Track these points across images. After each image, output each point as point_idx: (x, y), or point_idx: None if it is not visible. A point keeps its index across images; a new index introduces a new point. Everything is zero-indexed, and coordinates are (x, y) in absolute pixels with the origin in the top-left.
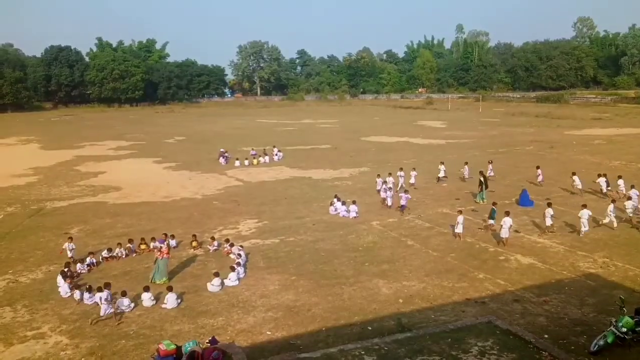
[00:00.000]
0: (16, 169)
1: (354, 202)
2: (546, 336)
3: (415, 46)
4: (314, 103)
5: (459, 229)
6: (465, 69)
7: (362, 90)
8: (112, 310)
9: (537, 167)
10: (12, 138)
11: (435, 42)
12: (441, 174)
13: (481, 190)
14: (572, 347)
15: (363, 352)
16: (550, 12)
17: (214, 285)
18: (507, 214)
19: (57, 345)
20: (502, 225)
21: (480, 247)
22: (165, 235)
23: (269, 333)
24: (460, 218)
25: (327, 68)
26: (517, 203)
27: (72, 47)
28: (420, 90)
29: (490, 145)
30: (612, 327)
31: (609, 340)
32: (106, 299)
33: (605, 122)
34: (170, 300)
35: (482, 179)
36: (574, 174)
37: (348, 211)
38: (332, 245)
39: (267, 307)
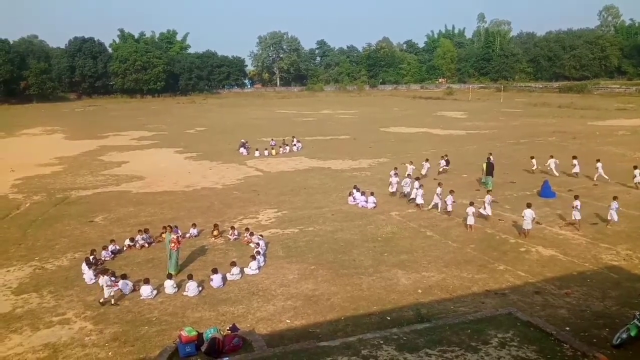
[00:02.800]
0: (42, 158)
1: (372, 193)
2: (567, 329)
3: (435, 36)
4: (333, 94)
5: (470, 221)
6: (487, 59)
7: (381, 80)
8: (112, 293)
9: (574, 157)
10: (38, 128)
11: (456, 31)
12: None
13: (487, 175)
14: (594, 340)
15: (382, 342)
16: (574, 1)
17: (233, 274)
18: (529, 205)
19: (81, 331)
20: (523, 217)
21: (501, 238)
22: (170, 227)
23: (289, 321)
24: (470, 209)
25: (347, 58)
26: (539, 194)
27: (96, 39)
28: (440, 80)
29: (511, 136)
30: (635, 320)
31: (632, 333)
32: (107, 284)
33: (630, 112)
34: (192, 288)
35: (484, 165)
36: (598, 160)
37: (367, 201)
38: (351, 235)
39: (287, 295)
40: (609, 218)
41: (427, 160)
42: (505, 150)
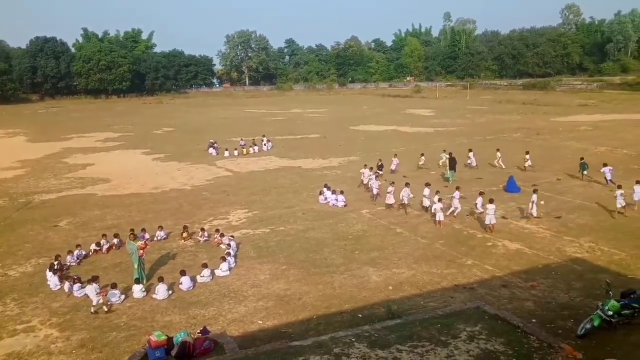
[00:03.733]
0: (3, 161)
1: (341, 192)
2: (534, 320)
3: (403, 34)
4: (302, 92)
5: (439, 217)
6: (453, 57)
7: (350, 79)
8: (101, 300)
9: (527, 153)
10: None
11: (423, 30)
12: (393, 166)
13: (450, 169)
14: (560, 331)
15: (354, 339)
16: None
17: (203, 277)
18: (491, 201)
19: (47, 338)
20: (487, 212)
21: (468, 233)
22: (133, 234)
23: (260, 322)
24: (437, 205)
25: (316, 57)
26: (505, 189)
27: (58, 38)
28: (408, 78)
29: (478, 132)
30: (598, 311)
31: (596, 323)
32: (96, 292)
33: (591, 108)
34: (161, 291)
35: (447, 159)
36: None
37: (337, 200)
38: (322, 234)
39: (258, 296)
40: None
41: (395, 155)
42: (472, 146)
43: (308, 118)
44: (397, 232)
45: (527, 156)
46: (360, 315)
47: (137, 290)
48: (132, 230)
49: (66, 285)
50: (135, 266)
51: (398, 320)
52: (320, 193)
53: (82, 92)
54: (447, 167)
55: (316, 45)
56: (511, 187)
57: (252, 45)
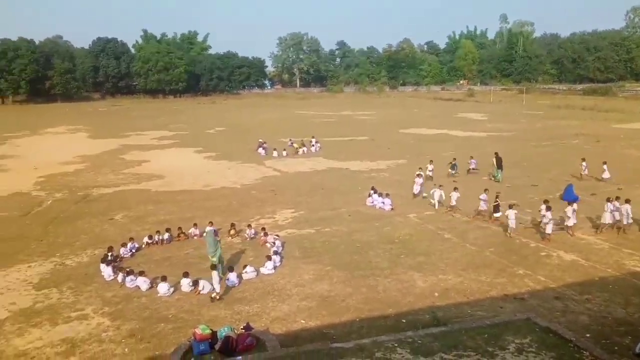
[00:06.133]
0: (65, 156)
1: (387, 195)
2: (588, 335)
3: (457, 37)
4: (352, 95)
5: (512, 224)
6: (509, 60)
7: (401, 82)
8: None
9: (583, 160)
10: (62, 127)
11: (478, 32)
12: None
13: (498, 168)
14: (616, 348)
15: (396, 345)
16: (599, 2)
17: (247, 272)
18: (549, 208)
19: (99, 327)
20: (545, 220)
21: (521, 242)
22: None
23: (303, 322)
24: (511, 212)
25: (367, 60)
26: (561, 198)
27: (119, 39)
28: (461, 82)
29: (533, 138)
30: None
31: None
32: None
33: None
34: (207, 287)
35: (494, 159)
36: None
37: (384, 203)
38: (368, 237)
39: (302, 296)
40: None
41: (431, 162)
42: (527, 152)
43: (357, 120)
44: (445, 238)
45: (584, 164)
46: (404, 321)
47: (185, 284)
48: (180, 228)
49: (119, 276)
50: (216, 257)
51: (443, 327)
52: (369, 195)
53: (141, 92)
54: (495, 167)
55: (367, 48)
56: (569, 195)
57: (304, 48)
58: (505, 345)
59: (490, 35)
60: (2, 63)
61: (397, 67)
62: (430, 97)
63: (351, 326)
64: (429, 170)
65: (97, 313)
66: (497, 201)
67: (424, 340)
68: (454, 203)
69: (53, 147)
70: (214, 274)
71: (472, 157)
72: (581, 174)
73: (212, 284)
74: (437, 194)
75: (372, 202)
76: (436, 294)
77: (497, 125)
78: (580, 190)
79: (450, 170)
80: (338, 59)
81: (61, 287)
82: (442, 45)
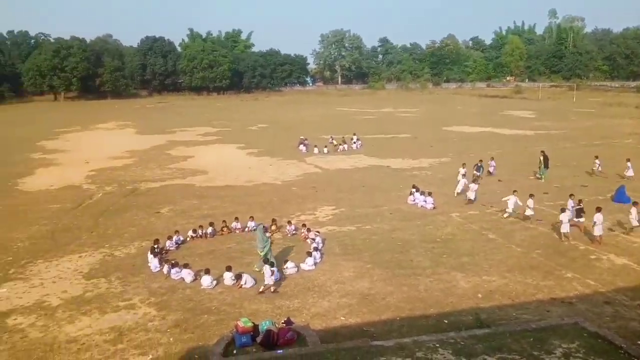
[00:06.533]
0: (114, 151)
1: (430, 194)
2: None
3: (503, 32)
4: (394, 92)
5: (565, 229)
6: (559, 56)
7: (445, 78)
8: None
9: (627, 160)
10: (111, 123)
11: (526, 27)
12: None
13: (540, 167)
14: None
15: (438, 345)
16: None
17: (287, 268)
18: (599, 210)
19: (145, 316)
20: (594, 223)
21: (570, 244)
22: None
23: (343, 319)
24: (564, 216)
25: (410, 56)
26: (612, 199)
27: (166, 38)
28: (508, 78)
29: (583, 137)
30: None
31: None
32: (270, 273)
33: None
34: (249, 281)
35: (541, 158)
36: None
37: (425, 202)
38: (409, 235)
39: (342, 293)
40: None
41: (463, 165)
42: (577, 152)
43: (399, 117)
44: (489, 238)
45: (629, 164)
46: (446, 322)
47: (228, 277)
48: (224, 221)
49: (165, 267)
50: (264, 253)
51: (487, 329)
52: (410, 193)
53: (186, 89)
54: (542, 165)
55: (410, 44)
56: (620, 197)
57: (346, 45)
58: (551, 350)
59: (539, 30)
60: (55, 61)
61: (440, 64)
62: (474, 94)
63: (391, 325)
64: (462, 175)
65: (143, 303)
66: (580, 205)
67: (467, 341)
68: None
69: (103, 142)
70: (267, 268)
71: (492, 159)
72: (593, 170)
73: (250, 278)
74: (512, 201)
75: (414, 201)
76: (480, 296)
77: (546, 123)
78: (631, 191)
79: (475, 172)
80: (380, 56)
81: (110, 277)
82: (487, 41)
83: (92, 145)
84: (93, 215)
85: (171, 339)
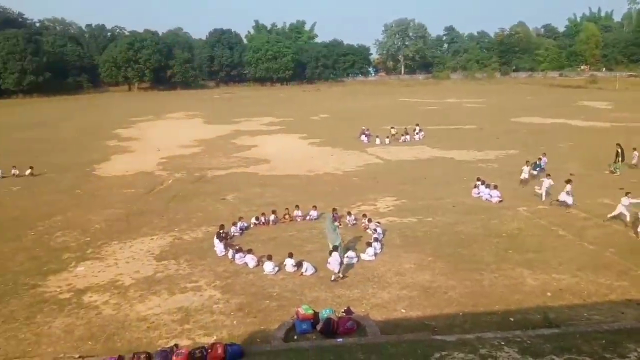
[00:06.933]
0: (184, 140)
1: (495, 187)
2: None
3: (578, 19)
4: (460, 81)
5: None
6: (638, 44)
7: (514, 67)
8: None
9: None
10: (181, 113)
11: (603, 14)
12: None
13: (616, 161)
14: None
15: (503, 343)
16: None
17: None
18: None
19: (210, 299)
20: None
21: None
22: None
23: (403, 311)
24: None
25: (477, 45)
26: None
27: (233, 30)
28: (582, 67)
29: None
30: None
31: None
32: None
33: None
34: (310, 269)
35: (619, 150)
36: None
37: (491, 195)
38: (473, 229)
39: (402, 285)
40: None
41: (527, 162)
42: None
43: (464, 108)
44: (559, 235)
45: (636, 152)
46: (512, 319)
47: (289, 264)
48: (287, 209)
49: (230, 252)
50: (336, 242)
51: (555, 329)
52: (475, 186)
53: (250, 80)
54: (618, 159)
55: (478, 32)
56: None
57: (410, 34)
58: (625, 354)
59: (617, 17)
60: (130, 53)
61: (509, 52)
62: (546, 83)
63: (454, 319)
64: (525, 173)
65: (209, 286)
66: None
67: (534, 340)
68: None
69: (173, 131)
70: (334, 255)
71: (544, 154)
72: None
73: (310, 266)
74: (546, 183)
75: (479, 194)
76: (548, 294)
77: (624, 114)
78: None
79: (532, 170)
80: (445, 45)
81: (179, 259)
82: (561, 29)
83: (163, 133)
84: (164, 200)
85: (234, 322)
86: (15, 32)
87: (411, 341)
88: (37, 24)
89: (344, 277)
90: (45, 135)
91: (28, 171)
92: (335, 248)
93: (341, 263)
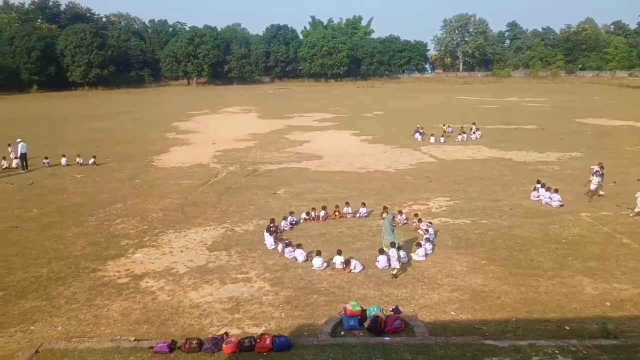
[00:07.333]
0: (238, 134)
1: (556, 190)
2: None
3: None
4: (521, 80)
5: None
6: None
7: (580, 66)
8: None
9: None
10: (236, 107)
11: None
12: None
13: None
14: None
15: (557, 352)
16: None
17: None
18: None
19: (260, 290)
20: None
21: None
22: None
23: (453, 313)
24: None
25: (541, 41)
26: None
27: (289, 26)
28: None
29: None
30: None
31: None
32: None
33: None
34: (358, 266)
35: None
36: None
37: (551, 199)
38: (530, 234)
39: (453, 287)
40: None
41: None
42: None
43: (525, 107)
44: (623, 243)
45: None
46: (568, 328)
47: (338, 261)
48: (337, 206)
49: (279, 246)
50: (393, 240)
51: (614, 341)
52: (534, 189)
53: (305, 76)
54: None
55: (542, 29)
56: None
57: (470, 30)
58: None
59: None
60: (190, 48)
61: (575, 50)
62: (614, 83)
63: (506, 325)
64: (594, 184)
65: (259, 277)
66: None
67: (590, 351)
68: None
69: (228, 125)
70: (393, 252)
71: (600, 165)
72: None
73: (358, 264)
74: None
75: (538, 197)
76: (608, 304)
77: None
78: None
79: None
80: (507, 41)
81: (230, 250)
82: (632, 26)
83: (218, 127)
84: (217, 193)
85: (282, 314)
86: (83, 26)
87: (461, 344)
88: (104, 19)
89: (395, 276)
90: (108, 126)
91: (91, 160)
92: (393, 244)
93: (400, 260)
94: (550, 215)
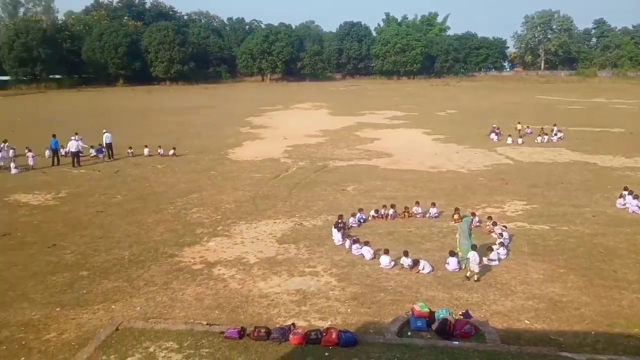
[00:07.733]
0: (309, 130)
1: None
2: None
3: None
4: (608, 80)
5: None
6: None
7: None
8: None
9: None
10: (308, 103)
11: None
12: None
13: None
14: None
15: None
16: None
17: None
18: None
19: (327, 285)
20: None
21: None
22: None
23: (527, 322)
24: None
25: (631, 40)
26: None
27: (362, 23)
28: None
29: None
30: None
31: None
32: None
33: None
34: (427, 267)
35: None
36: None
37: (638, 207)
38: (615, 243)
39: (528, 295)
40: None
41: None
42: None
43: (613, 109)
44: None
45: None
46: None
47: (406, 262)
48: (406, 207)
49: (347, 242)
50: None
51: None
52: (620, 196)
53: (377, 73)
54: None
55: (633, 26)
56: None
57: (553, 27)
58: None
59: None
60: (265, 45)
61: None
62: None
63: (584, 338)
64: None
65: (326, 272)
66: None
67: None
68: None
69: (300, 120)
70: (473, 254)
71: None
72: None
73: (427, 265)
74: None
75: (624, 205)
76: None
77: None
78: None
79: None
80: (594, 39)
81: (298, 244)
82: None
83: (290, 123)
84: (287, 187)
85: (349, 310)
86: (166, 24)
87: (535, 354)
88: (185, 17)
89: (468, 279)
90: (187, 120)
91: (171, 151)
92: (474, 247)
93: (480, 263)
94: (638, 225)
